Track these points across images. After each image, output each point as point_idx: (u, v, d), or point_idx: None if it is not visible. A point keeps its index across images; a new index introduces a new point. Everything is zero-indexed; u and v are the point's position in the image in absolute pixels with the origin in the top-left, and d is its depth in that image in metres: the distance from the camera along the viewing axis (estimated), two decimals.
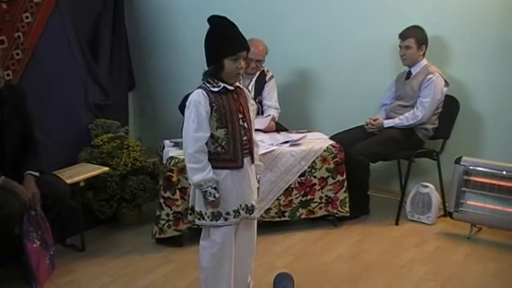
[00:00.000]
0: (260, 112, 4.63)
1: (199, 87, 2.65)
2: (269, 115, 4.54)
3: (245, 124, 2.70)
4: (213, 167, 2.64)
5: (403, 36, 4.17)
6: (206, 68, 2.66)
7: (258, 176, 2.89)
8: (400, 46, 4.21)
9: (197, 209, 2.73)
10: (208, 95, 2.61)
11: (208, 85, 2.64)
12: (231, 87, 2.66)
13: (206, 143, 2.63)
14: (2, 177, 3.22)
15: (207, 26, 2.64)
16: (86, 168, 3.93)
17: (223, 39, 2.60)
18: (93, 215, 4.09)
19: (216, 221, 2.70)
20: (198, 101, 2.60)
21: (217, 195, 2.64)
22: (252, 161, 2.78)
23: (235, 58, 2.59)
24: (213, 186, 2.62)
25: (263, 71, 4.62)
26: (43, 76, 4.19)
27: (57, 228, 3.58)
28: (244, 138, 2.70)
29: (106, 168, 3.95)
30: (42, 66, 4.19)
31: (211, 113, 2.62)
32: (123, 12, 5.40)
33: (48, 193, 3.35)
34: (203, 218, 2.72)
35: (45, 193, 3.33)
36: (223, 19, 2.62)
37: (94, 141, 4.23)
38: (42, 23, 4.23)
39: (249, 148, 2.73)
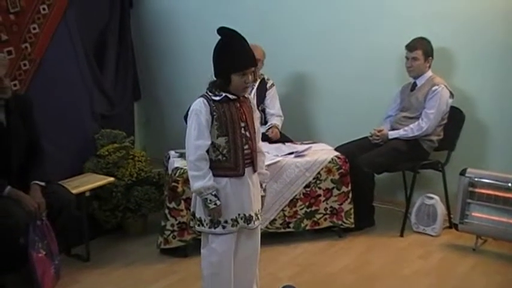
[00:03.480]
0: (263, 121, 4.64)
1: (201, 96, 2.69)
2: (271, 125, 4.55)
3: (247, 133, 2.72)
4: (214, 175, 2.67)
5: (411, 47, 4.17)
6: (214, 78, 2.68)
7: (264, 185, 2.90)
8: (406, 57, 4.22)
9: (197, 215, 2.77)
10: (209, 104, 2.64)
11: (210, 94, 2.67)
12: (233, 97, 2.68)
13: (208, 151, 2.66)
14: (8, 186, 3.24)
15: (213, 37, 2.66)
16: (91, 178, 3.94)
17: (232, 55, 2.62)
18: (98, 225, 4.10)
19: (215, 228, 2.73)
20: (199, 109, 2.63)
21: (218, 202, 2.66)
22: (254, 171, 2.78)
23: (243, 74, 2.62)
24: (213, 194, 2.65)
25: (263, 79, 4.65)
26: (50, 86, 4.21)
27: (62, 238, 3.58)
28: (246, 147, 2.72)
29: (111, 179, 3.97)
30: (49, 76, 4.22)
31: (212, 121, 2.65)
32: (129, 23, 5.43)
33: (54, 203, 3.37)
34: (202, 225, 2.75)
35: (51, 203, 3.34)
36: (233, 32, 2.64)
37: (100, 151, 4.24)
38: (49, 34, 4.26)
39: (250, 157, 2.75)
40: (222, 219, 2.71)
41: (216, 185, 2.66)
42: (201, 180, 2.63)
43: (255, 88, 4.61)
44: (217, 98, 2.65)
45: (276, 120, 4.62)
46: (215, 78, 2.68)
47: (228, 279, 2.81)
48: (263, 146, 3.97)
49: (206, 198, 2.65)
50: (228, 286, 2.82)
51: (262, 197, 2.91)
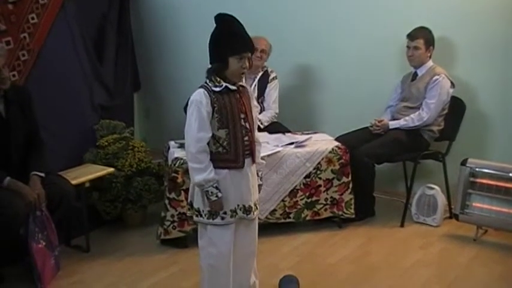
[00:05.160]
0: (260, 112, 4.62)
1: (201, 86, 2.65)
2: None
3: (247, 124, 2.69)
4: (214, 167, 2.64)
5: (412, 36, 4.15)
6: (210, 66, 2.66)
7: (260, 173, 2.89)
8: (408, 46, 4.20)
9: (195, 205, 2.74)
10: (209, 95, 2.61)
11: (210, 84, 2.63)
12: (234, 87, 2.65)
13: (208, 143, 2.63)
14: (7, 177, 3.23)
15: (213, 27, 2.63)
16: (91, 169, 3.93)
17: (230, 38, 2.59)
18: (98, 216, 4.10)
19: (213, 219, 2.70)
20: (200, 101, 2.60)
21: (219, 194, 2.64)
22: (253, 162, 2.77)
23: (240, 57, 2.59)
24: (215, 186, 2.63)
25: (266, 71, 4.63)
26: (49, 77, 4.20)
27: (62, 228, 3.58)
28: (246, 138, 2.70)
29: (111, 169, 3.95)
30: (48, 67, 4.20)
31: (213, 113, 2.61)
32: (129, 13, 5.41)
33: (54, 194, 3.36)
34: (200, 215, 2.73)
35: (51, 194, 3.33)
36: (231, 18, 2.62)
37: (99, 142, 4.24)
38: (48, 24, 4.25)
39: (250, 149, 2.73)
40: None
41: (217, 177, 2.64)
42: (202, 173, 2.61)
43: (257, 79, 4.61)
44: (217, 89, 2.62)
45: (263, 115, 4.59)
46: (211, 65, 2.65)
47: (227, 270, 2.79)
48: (263, 136, 3.99)
49: (207, 191, 2.63)
50: (227, 277, 2.80)
51: (259, 185, 2.89)
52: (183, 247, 3.80)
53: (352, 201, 4.07)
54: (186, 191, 3.67)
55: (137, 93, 5.77)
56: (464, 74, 4.28)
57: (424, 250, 3.80)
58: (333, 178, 4.01)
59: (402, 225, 4.18)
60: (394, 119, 4.32)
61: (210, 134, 2.62)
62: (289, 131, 4.48)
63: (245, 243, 2.85)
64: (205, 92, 2.61)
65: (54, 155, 3.75)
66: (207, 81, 2.65)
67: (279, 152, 3.92)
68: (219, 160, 2.66)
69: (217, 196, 2.64)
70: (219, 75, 2.62)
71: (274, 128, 4.53)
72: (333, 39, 4.80)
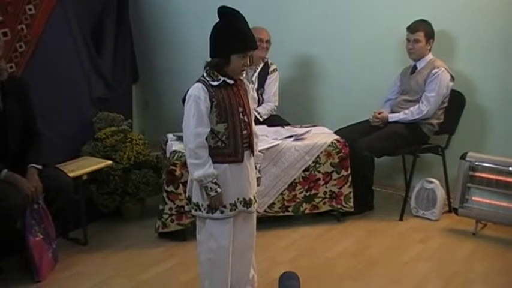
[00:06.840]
0: (258, 103, 4.60)
1: (199, 80, 2.62)
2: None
3: (245, 118, 2.67)
4: (213, 161, 2.62)
5: (413, 29, 4.13)
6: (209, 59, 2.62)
7: (258, 166, 2.87)
8: (408, 39, 4.17)
9: (194, 199, 2.72)
10: (208, 90, 2.58)
11: (208, 79, 2.60)
12: (231, 81, 2.63)
13: (206, 138, 2.61)
14: (4, 170, 3.22)
15: (213, 20, 2.59)
16: (89, 162, 3.91)
17: (235, 35, 2.55)
18: (95, 209, 4.08)
19: (212, 213, 2.69)
20: (198, 96, 2.57)
21: (219, 190, 2.62)
22: (252, 154, 2.76)
23: (244, 56, 2.57)
24: (214, 181, 2.61)
25: (267, 62, 4.62)
26: (46, 69, 4.16)
27: (60, 221, 3.57)
28: (245, 132, 2.68)
29: (109, 162, 3.94)
30: (46, 58, 4.17)
31: (211, 107, 2.59)
32: (128, 5, 5.37)
33: (51, 186, 3.34)
34: (200, 210, 2.71)
35: (48, 186, 3.32)
36: (236, 12, 2.57)
37: (97, 134, 4.22)
38: (46, 16, 4.21)
39: (248, 142, 2.71)
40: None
41: (216, 172, 2.62)
42: (201, 168, 2.59)
43: (258, 71, 4.59)
44: (215, 83, 2.59)
45: (262, 108, 4.58)
46: (211, 58, 2.61)
47: (227, 264, 2.78)
48: (262, 129, 3.97)
49: (207, 186, 2.61)
50: (226, 271, 2.79)
51: (258, 178, 2.88)
52: (181, 240, 3.79)
53: (351, 194, 4.06)
54: (184, 184, 3.66)
55: (136, 85, 5.74)
56: (464, 67, 4.26)
57: (423, 244, 3.79)
58: (332, 171, 3.99)
59: (401, 219, 4.17)
60: (393, 112, 4.30)
61: (209, 129, 2.60)
62: (288, 124, 4.47)
63: (244, 236, 2.84)
64: (204, 86, 2.58)
65: (51, 147, 3.73)
66: (205, 75, 2.62)
67: (277, 145, 3.91)
68: (218, 155, 2.64)
69: (216, 191, 2.62)
70: (218, 71, 2.59)
71: (273, 120, 4.52)
72: (333, 32, 4.78)
